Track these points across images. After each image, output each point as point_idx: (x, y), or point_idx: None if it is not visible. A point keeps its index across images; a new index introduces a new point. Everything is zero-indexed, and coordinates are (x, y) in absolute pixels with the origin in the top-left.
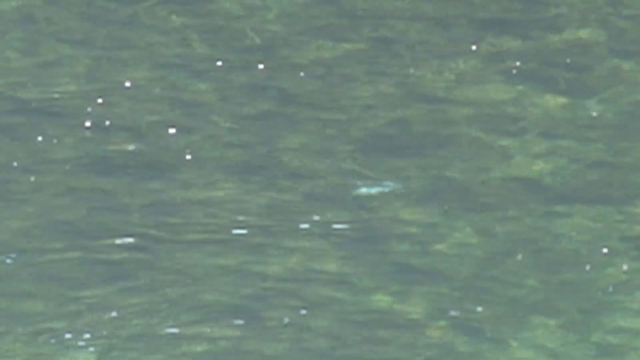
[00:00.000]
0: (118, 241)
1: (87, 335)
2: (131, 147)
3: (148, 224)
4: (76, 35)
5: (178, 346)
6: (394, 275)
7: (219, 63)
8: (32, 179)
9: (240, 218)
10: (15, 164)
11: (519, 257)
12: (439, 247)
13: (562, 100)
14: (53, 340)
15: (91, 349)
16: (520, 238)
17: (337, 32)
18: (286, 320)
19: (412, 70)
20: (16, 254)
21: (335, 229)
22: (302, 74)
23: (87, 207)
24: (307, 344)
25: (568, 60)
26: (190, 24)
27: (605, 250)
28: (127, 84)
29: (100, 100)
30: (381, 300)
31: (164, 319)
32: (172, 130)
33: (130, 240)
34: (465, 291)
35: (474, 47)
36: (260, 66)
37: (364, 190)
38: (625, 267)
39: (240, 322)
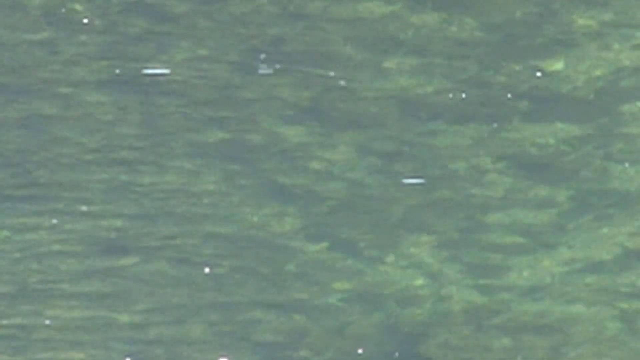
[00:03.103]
0: None
1: None
2: None
3: (24, 142)
4: None
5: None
6: (270, 194)
7: None
8: None
9: (115, 136)
10: None
11: (396, 175)
12: (315, 165)
13: (437, 17)
14: None
15: None
16: (396, 156)
17: None
18: (159, 241)
19: None
20: None
21: (211, 147)
22: None
23: None
24: (181, 263)
25: None
26: None
27: (480, 168)
28: None
29: None
30: (257, 219)
31: (48, 234)
32: (44, 46)
33: (9, 160)
34: (341, 210)
35: None
36: None
37: (240, 108)
38: (500, 185)
39: (116, 244)
